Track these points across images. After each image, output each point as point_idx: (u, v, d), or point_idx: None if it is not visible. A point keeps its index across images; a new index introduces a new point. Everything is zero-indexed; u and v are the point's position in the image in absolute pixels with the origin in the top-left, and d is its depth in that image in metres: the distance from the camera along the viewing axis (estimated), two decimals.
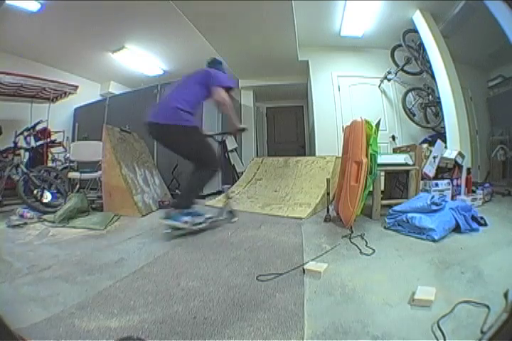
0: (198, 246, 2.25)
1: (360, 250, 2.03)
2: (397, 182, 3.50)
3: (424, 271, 1.66)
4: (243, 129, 2.90)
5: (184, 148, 2.62)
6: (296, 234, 2.54)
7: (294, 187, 4.00)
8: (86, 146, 4.42)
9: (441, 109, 4.42)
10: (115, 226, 2.97)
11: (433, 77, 4.47)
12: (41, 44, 4.81)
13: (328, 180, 3.08)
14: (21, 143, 4.31)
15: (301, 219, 3.09)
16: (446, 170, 3.60)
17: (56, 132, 5.41)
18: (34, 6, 3.78)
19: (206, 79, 2.66)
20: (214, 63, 3.10)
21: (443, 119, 4.40)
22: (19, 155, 4.13)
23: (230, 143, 5.61)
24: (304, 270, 1.69)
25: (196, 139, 2.61)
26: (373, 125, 2.68)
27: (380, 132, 2.83)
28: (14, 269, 1.80)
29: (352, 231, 2.44)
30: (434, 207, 2.41)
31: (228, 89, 2.68)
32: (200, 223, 2.60)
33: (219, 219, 2.86)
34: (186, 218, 2.50)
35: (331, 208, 3.05)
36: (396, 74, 5.14)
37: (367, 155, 2.55)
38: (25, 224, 2.94)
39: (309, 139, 7.63)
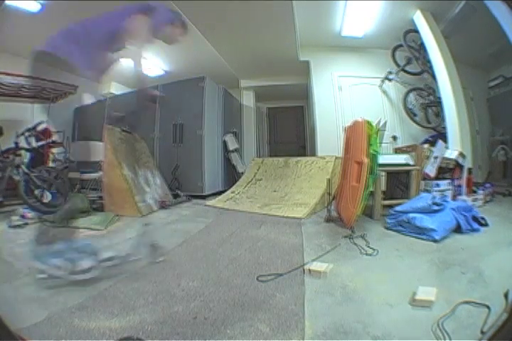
0: (198, 247, 2.25)
1: (361, 250, 2.03)
2: (398, 182, 3.49)
3: (425, 271, 1.66)
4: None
5: None
6: (297, 234, 2.54)
7: (293, 187, 4.00)
8: (87, 146, 4.42)
9: (442, 109, 4.41)
10: (116, 226, 2.98)
11: (434, 77, 4.46)
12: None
13: (329, 180, 3.08)
14: (22, 143, 4.31)
15: (299, 219, 3.09)
16: (447, 170, 3.59)
17: (57, 132, 5.41)
18: (34, 7, 3.78)
19: None
20: None
21: (444, 119, 4.39)
22: (20, 155, 4.13)
23: (231, 144, 5.61)
24: (304, 270, 1.69)
25: None
26: (374, 125, 2.68)
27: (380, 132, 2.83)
28: (15, 269, 1.79)
29: (353, 232, 2.44)
30: (435, 208, 2.41)
31: None
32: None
33: (128, 259, 1.87)
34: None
35: (331, 208, 3.05)
36: (397, 74, 5.13)
37: (368, 156, 2.55)
38: (26, 224, 2.94)
39: (310, 139, 7.62)
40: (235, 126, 6.39)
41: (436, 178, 3.47)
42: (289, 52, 5.30)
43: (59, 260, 1.59)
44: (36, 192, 3.53)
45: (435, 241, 2.14)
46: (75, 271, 1.58)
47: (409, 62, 5.03)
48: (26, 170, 3.59)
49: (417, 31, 4.50)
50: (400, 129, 5.27)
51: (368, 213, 2.99)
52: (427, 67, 4.72)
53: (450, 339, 1.02)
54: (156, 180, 4.24)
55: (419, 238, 2.25)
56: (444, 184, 3.36)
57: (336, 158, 4.03)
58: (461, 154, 3.63)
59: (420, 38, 4.54)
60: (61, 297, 1.44)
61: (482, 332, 1.01)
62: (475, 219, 2.44)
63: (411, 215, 2.40)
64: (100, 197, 3.81)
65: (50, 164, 5.05)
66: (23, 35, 4.39)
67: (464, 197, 3.39)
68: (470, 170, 3.72)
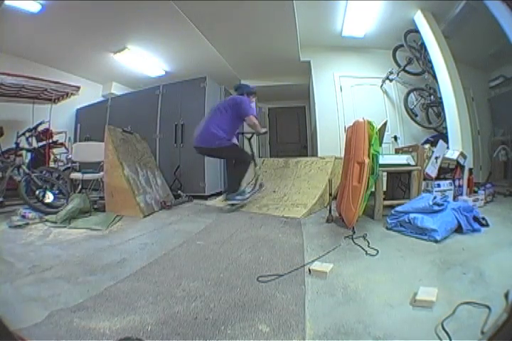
0: (199, 247, 2.25)
1: (362, 250, 2.03)
2: (400, 182, 3.49)
3: (426, 272, 1.65)
4: (265, 132, 3.94)
5: (226, 156, 3.77)
6: (298, 234, 2.54)
7: (292, 187, 4.00)
8: (88, 147, 4.43)
9: (443, 109, 4.41)
10: (117, 226, 2.97)
11: (435, 77, 4.46)
12: (43, 45, 4.81)
13: (330, 181, 3.08)
14: (23, 143, 4.31)
15: (297, 219, 3.08)
16: (448, 170, 3.59)
17: (59, 133, 5.42)
18: (35, 7, 3.78)
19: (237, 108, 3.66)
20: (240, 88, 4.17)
21: (445, 120, 4.39)
22: (21, 155, 4.14)
23: None
24: (306, 270, 1.69)
25: (234, 149, 3.60)
26: (375, 125, 2.67)
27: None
28: (16, 270, 1.80)
29: (354, 232, 2.43)
30: (436, 208, 2.41)
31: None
32: (247, 198, 3.70)
33: (255, 190, 3.80)
34: (239, 197, 3.59)
35: (332, 208, 3.04)
36: (398, 74, 5.13)
37: (369, 156, 2.54)
38: (27, 224, 2.94)
39: (311, 140, 7.62)
40: None
41: (437, 178, 3.46)
42: (290, 53, 5.31)
43: (239, 196, 3.58)
44: (37, 192, 3.54)
45: (436, 241, 2.13)
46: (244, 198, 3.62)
47: (410, 62, 5.02)
48: (27, 171, 3.59)
49: (417, 31, 4.50)
50: (400, 129, 5.28)
51: (369, 213, 2.99)
52: (428, 68, 4.72)
53: (451, 339, 1.02)
54: (158, 180, 4.25)
55: (420, 238, 2.24)
56: (445, 184, 3.36)
57: (336, 158, 4.04)
58: (462, 154, 3.63)
59: (421, 38, 4.54)
60: (61, 297, 1.44)
61: (482, 333, 1.00)
62: (476, 219, 2.44)
63: (412, 215, 2.39)
64: (102, 198, 3.82)
65: (52, 164, 5.07)
66: (23, 35, 4.40)
67: (464, 197, 3.39)
68: (471, 171, 3.72)
